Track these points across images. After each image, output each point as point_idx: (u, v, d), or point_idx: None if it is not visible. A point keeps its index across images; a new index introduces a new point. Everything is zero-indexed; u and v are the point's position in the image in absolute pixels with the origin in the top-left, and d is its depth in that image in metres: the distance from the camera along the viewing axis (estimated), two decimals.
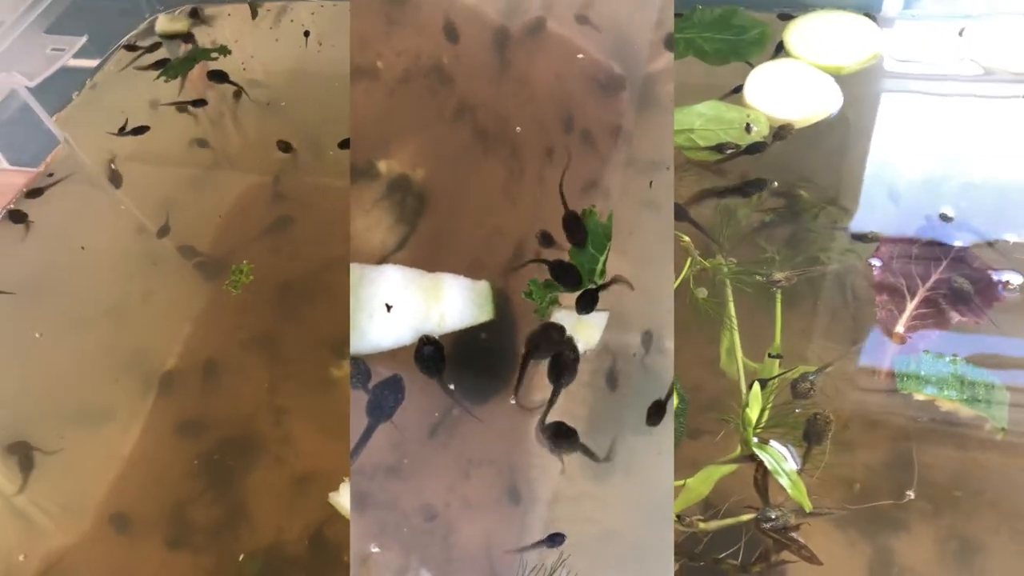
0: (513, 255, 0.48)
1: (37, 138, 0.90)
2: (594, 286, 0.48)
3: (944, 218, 0.65)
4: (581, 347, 0.47)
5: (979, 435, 0.55)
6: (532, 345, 0.46)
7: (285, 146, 0.84)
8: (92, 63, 0.95)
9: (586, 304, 0.47)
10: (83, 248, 0.81)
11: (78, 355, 0.72)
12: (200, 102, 0.91)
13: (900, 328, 0.59)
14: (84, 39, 0.91)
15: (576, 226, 0.47)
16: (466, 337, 0.47)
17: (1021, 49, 0.76)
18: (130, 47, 0.98)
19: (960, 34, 0.79)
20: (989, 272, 0.60)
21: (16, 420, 0.69)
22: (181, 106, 0.91)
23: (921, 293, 0.60)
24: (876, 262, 0.63)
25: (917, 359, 0.57)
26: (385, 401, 0.44)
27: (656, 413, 0.46)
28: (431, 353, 0.45)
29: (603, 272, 0.48)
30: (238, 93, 0.91)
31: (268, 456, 0.62)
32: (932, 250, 0.63)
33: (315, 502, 0.59)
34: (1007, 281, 0.61)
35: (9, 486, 0.65)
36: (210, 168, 0.85)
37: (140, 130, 0.89)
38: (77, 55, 0.90)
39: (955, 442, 0.55)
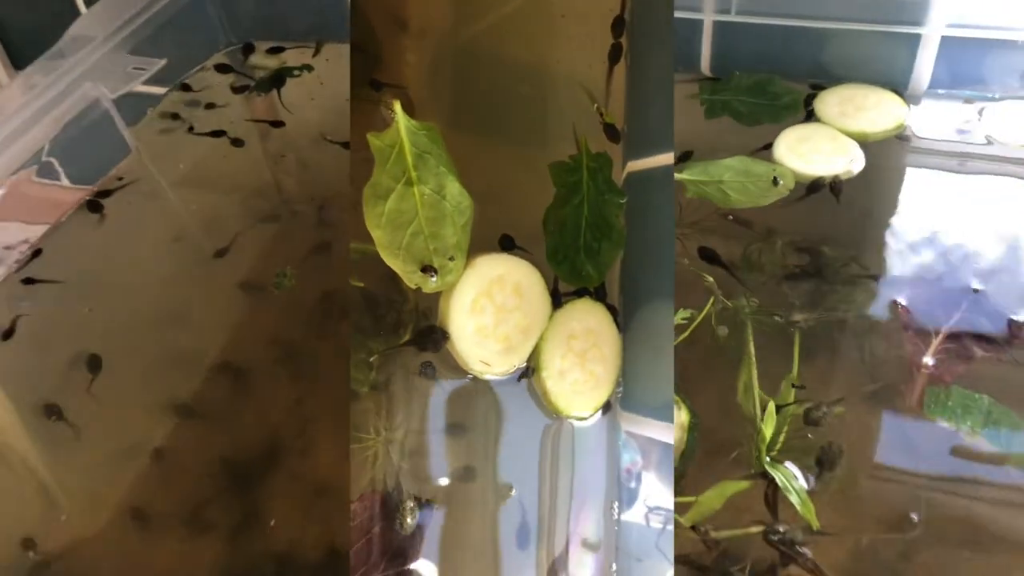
0: None
1: (110, 146, 0.96)
2: None
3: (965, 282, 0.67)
4: None
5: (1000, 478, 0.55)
6: None
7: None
8: (162, 90, 1.02)
9: None
10: (136, 251, 0.85)
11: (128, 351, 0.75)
12: (279, 123, 0.97)
13: (928, 360, 0.60)
14: (163, 62, 0.97)
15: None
16: None
17: None
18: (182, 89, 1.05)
19: (979, 114, 0.83)
20: (1006, 313, 0.62)
21: None
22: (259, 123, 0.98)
23: (945, 330, 0.61)
24: (902, 301, 0.65)
25: (946, 390, 0.58)
26: None
27: None
28: None
29: None
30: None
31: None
32: (952, 294, 0.65)
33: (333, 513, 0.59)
34: None
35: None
36: (260, 191, 0.90)
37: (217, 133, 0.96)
38: (153, 76, 0.97)
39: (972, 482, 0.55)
